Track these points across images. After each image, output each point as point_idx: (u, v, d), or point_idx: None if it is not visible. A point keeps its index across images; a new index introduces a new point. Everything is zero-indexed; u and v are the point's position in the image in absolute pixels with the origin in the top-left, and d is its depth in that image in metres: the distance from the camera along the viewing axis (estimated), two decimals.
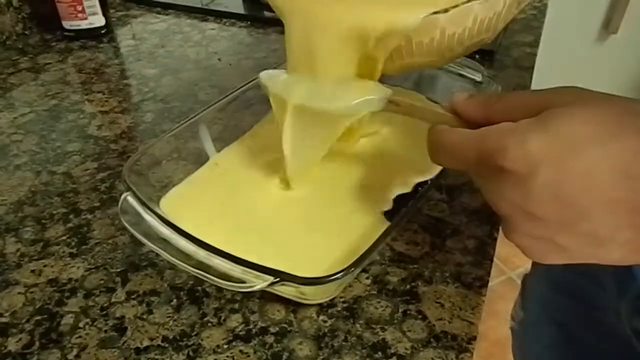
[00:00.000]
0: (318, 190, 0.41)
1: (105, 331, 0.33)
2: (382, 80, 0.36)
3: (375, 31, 0.33)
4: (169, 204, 0.38)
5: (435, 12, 0.32)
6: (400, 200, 0.39)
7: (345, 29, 0.34)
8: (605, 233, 0.24)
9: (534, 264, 0.63)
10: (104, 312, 0.34)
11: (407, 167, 0.42)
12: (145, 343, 0.32)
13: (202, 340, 0.33)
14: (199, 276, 0.31)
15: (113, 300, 0.35)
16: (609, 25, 1.28)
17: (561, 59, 1.13)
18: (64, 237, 0.40)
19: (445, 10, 0.32)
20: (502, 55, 0.64)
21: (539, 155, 0.23)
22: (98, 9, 0.69)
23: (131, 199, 0.35)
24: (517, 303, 0.65)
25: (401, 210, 0.36)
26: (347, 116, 0.36)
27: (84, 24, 0.69)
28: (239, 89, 0.46)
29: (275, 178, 0.41)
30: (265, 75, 0.39)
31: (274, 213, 0.39)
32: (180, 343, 0.32)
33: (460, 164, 0.28)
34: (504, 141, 0.24)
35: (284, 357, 0.31)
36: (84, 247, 0.39)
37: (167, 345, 0.32)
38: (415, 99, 0.36)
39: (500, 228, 0.27)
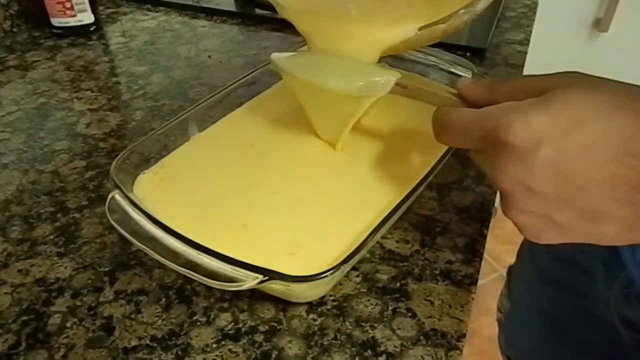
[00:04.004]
0: (317, 171, 0.41)
1: (93, 331, 0.33)
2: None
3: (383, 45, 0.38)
4: (143, 185, 0.38)
5: (435, 23, 0.36)
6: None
7: (357, 44, 0.38)
8: (603, 209, 0.24)
9: (520, 254, 0.63)
10: (92, 312, 0.34)
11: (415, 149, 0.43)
12: (134, 343, 0.32)
13: (191, 339, 0.32)
14: (188, 275, 0.30)
15: (101, 299, 0.35)
16: (600, 23, 1.29)
17: (551, 57, 1.13)
18: (51, 236, 0.40)
19: (445, 21, 0.36)
20: (492, 53, 0.64)
21: (542, 132, 0.24)
22: (87, 6, 0.68)
23: (119, 198, 0.34)
24: (503, 294, 0.65)
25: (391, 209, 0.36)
26: (358, 97, 0.37)
27: (72, 21, 0.68)
28: (229, 86, 0.46)
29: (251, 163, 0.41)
30: (276, 55, 0.41)
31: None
32: (169, 342, 0.32)
33: (464, 142, 0.29)
34: (508, 117, 0.25)
35: (273, 355, 0.31)
36: (71, 246, 0.39)
37: (155, 344, 0.32)
38: (420, 81, 0.38)
39: (499, 205, 0.28)
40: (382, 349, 0.32)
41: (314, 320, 0.33)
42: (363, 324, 0.33)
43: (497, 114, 0.26)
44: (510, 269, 0.65)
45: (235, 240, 0.35)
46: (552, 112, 0.24)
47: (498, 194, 0.28)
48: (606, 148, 0.23)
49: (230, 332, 0.33)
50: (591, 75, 0.27)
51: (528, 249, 0.61)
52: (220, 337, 0.32)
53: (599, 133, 0.24)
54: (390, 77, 0.36)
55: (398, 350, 0.32)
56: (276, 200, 0.38)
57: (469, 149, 0.30)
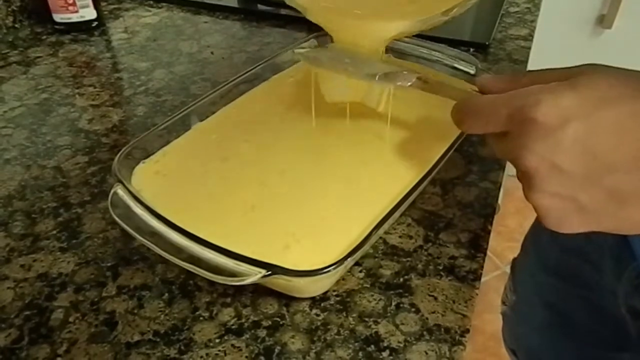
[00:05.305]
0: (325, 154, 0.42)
1: (96, 326, 0.33)
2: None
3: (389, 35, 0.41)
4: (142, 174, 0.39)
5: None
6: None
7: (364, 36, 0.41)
8: (630, 188, 0.24)
9: (524, 247, 0.63)
10: (95, 307, 0.34)
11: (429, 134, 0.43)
12: (136, 337, 0.32)
13: (193, 334, 0.32)
14: (190, 270, 0.30)
15: (104, 294, 0.35)
16: (604, 20, 1.28)
17: (555, 52, 1.13)
18: (54, 232, 0.40)
19: (446, 13, 0.37)
20: (496, 49, 0.64)
21: (570, 109, 0.24)
22: (89, 2, 0.68)
23: (121, 192, 0.34)
24: (508, 287, 0.65)
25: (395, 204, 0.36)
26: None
27: (75, 17, 0.68)
28: (231, 82, 0.46)
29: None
30: (298, 50, 0.45)
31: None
32: (172, 337, 0.32)
33: (489, 124, 0.29)
34: (537, 96, 0.25)
35: (276, 351, 0.31)
36: (74, 241, 0.39)
37: (158, 339, 0.32)
38: (441, 77, 0.40)
39: (522, 190, 0.27)
40: (385, 344, 0.31)
41: (317, 315, 0.33)
42: (366, 319, 0.33)
43: (525, 94, 0.26)
44: (514, 262, 0.65)
45: (243, 221, 0.35)
46: (580, 93, 0.25)
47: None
48: (634, 127, 0.24)
49: (233, 327, 0.33)
50: (611, 66, 0.27)
51: (532, 241, 0.61)
52: (223, 332, 0.32)
53: (627, 113, 0.24)
54: (412, 70, 0.37)
55: (401, 345, 0.31)
56: (283, 184, 0.38)
57: (489, 138, 0.30)
